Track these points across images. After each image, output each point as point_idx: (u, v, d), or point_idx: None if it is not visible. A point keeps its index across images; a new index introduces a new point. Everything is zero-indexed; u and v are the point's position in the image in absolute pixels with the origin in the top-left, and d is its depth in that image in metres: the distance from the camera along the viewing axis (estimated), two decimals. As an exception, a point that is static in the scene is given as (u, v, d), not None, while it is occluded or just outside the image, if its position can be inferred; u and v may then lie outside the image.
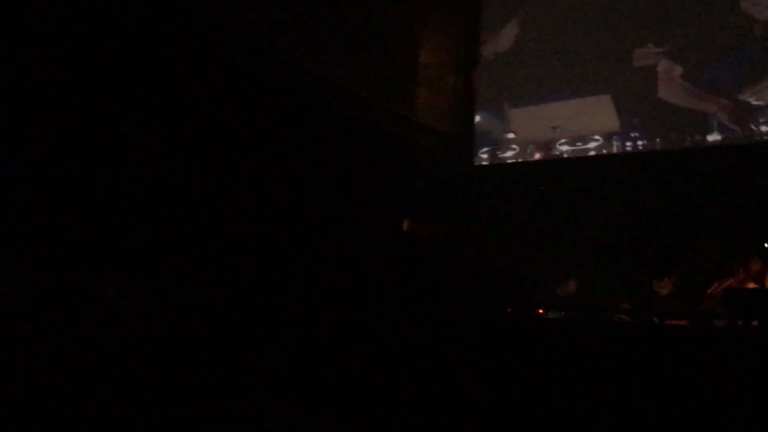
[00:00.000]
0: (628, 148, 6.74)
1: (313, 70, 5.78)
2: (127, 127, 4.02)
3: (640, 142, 6.69)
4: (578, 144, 7.03)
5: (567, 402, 3.92)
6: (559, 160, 7.08)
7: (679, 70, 6.47)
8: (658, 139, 6.59)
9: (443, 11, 7.45)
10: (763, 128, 6.03)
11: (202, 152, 4.49)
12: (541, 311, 5.11)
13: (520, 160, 7.35)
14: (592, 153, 6.92)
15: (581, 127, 7.00)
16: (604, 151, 6.85)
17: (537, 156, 7.25)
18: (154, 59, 4.28)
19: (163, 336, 3.65)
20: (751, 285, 5.07)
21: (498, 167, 7.43)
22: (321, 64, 5.93)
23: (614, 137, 6.82)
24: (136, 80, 4.14)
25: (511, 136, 7.45)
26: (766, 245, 5.89)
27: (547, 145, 7.18)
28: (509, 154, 7.46)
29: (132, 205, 3.98)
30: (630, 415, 3.97)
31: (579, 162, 6.95)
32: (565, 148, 7.08)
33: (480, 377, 4.17)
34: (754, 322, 4.51)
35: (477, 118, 7.64)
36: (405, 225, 6.18)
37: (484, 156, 7.57)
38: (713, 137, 6.29)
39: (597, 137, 6.92)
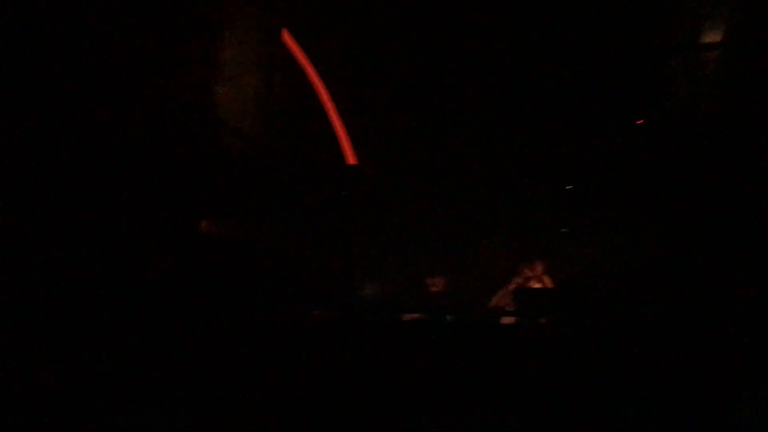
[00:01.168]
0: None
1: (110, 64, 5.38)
2: None
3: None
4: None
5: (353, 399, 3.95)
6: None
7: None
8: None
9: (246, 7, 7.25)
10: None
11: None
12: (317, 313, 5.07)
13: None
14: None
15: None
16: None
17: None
18: None
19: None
20: (536, 285, 5.45)
21: (298, 164, 7.34)
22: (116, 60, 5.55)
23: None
24: None
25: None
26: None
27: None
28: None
29: None
30: (423, 409, 4.07)
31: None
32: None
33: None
34: (541, 319, 4.85)
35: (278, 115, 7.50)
36: (203, 225, 5.93)
37: (284, 153, 7.43)
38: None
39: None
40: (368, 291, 6.35)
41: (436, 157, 6.98)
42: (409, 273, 6.40)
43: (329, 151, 7.29)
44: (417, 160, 6.96)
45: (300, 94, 7.47)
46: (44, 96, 4.54)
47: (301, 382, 3.98)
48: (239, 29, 7.18)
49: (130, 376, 3.77)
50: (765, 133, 5.13)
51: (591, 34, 6.35)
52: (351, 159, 7.06)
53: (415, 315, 5.57)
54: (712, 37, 5.63)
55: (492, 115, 6.84)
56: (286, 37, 7.14)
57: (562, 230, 6.57)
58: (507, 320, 5.23)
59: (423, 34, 7.10)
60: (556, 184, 6.54)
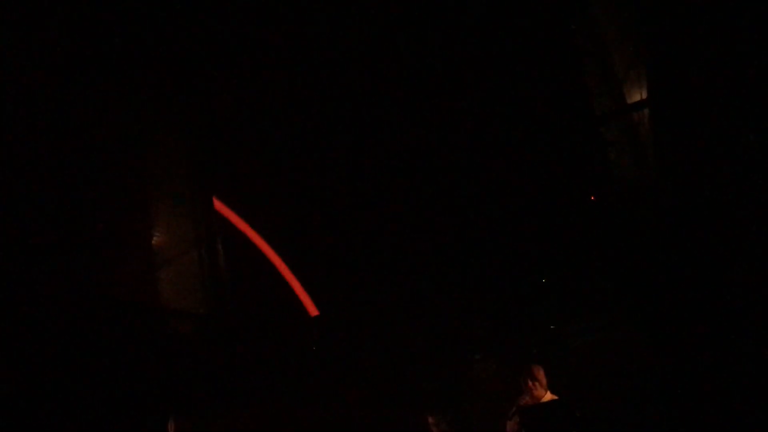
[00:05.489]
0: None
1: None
2: None
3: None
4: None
5: None
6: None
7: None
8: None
9: (171, 184, 6.99)
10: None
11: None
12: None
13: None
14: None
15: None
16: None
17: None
18: None
19: None
20: (547, 396, 4.86)
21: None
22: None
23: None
24: None
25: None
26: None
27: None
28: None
29: None
30: None
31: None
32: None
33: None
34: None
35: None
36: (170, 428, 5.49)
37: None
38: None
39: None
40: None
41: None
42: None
43: (290, 307, 6.88)
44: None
45: (247, 259, 7.14)
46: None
47: None
48: (169, 212, 6.92)
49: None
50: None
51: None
52: (313, 311, 6.65)
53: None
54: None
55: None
56: (218, 204, 6.85)
57: (551, 327, 6.17)
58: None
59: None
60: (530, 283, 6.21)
